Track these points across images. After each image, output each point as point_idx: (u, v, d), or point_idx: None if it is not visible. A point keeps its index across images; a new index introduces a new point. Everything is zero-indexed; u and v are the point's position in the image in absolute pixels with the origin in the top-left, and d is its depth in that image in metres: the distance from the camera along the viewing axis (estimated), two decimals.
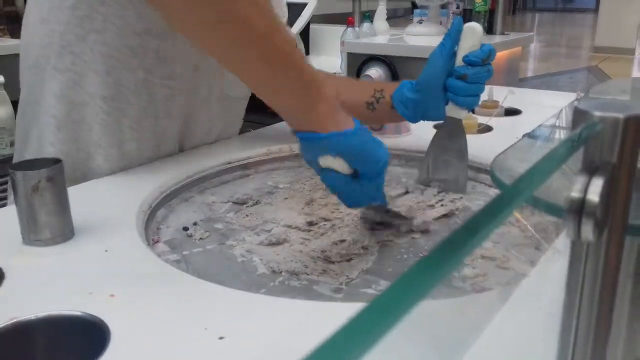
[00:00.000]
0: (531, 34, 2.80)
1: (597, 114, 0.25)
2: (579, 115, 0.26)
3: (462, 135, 0.82)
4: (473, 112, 0.82)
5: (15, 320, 0.47)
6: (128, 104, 0.79)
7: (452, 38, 0.77)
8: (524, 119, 1.16)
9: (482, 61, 0.76)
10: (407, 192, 0.84)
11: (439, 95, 0.79)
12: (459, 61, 0.77)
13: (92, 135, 0.79)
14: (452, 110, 0.80)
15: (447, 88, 0.78)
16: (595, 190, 0.23)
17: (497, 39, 2.31)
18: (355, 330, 0.11)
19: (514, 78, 2.61)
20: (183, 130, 0.88)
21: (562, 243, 0.31)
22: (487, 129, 1.07)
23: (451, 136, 0.82)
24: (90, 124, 0.78)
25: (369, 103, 0.84)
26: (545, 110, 1.20)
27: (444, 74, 0.78)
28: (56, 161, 0.59)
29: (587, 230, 0.23)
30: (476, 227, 0.14)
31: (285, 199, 0.82)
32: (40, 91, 0.78)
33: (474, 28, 0.76)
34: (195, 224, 0.74)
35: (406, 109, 0.81)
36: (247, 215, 0.76)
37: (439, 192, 0.83)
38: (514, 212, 0.77)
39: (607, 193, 0.24)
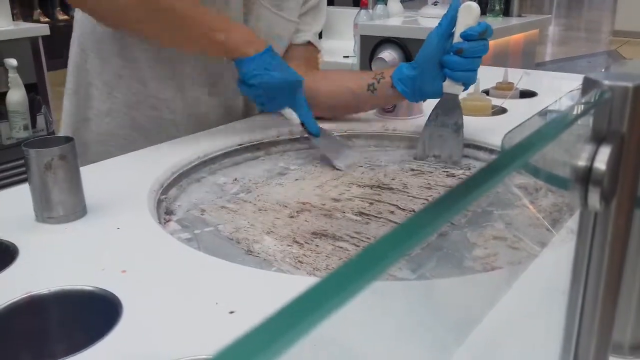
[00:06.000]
0: (549, 16, 2.75)
1: (607, 82, 0.25)
2: (588, 85, 0.26)
3: (458, 111, 0.85)
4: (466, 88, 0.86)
5: (29, 294, 0.47)
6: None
7: (449, 18, 0.81)
8: (540, 101, 1.15)
9: (478, 35, 0.79)
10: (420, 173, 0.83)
11: (436, 72, 0.83)
12: (456, 40, 0.80)
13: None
14: (448, 87, 0.83)
15: (443, 65, 0.81)
16: (602, 159, 0.22)
17: (513, 20, 2.27)
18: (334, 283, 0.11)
19: (531, 61, 2.57)
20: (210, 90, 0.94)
21: (575, 224, 0.31)
22: (502, 110, 1.05)
23: (447, 112, 0.86)
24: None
25: (370, 84, 0.89)
26: (561, 92, 1.18)
27: (440, 52, 0.81)
28: (68, 139, 0.60)
29: (594, 199, 0.22)
30: (468, 188, 0.14)
31: (296, 180, 0.82)
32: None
33: (470, 7, 0.80)
34: (204, 211, 0.74)
35: (405, 87, 0.86)
36: (258, 196, 0.76)
37: (435, 159, 0.86)
38: (527, 195, 0.76)
39: (615, 162, 0.23)
